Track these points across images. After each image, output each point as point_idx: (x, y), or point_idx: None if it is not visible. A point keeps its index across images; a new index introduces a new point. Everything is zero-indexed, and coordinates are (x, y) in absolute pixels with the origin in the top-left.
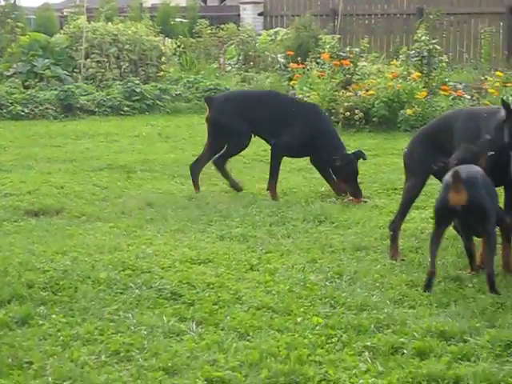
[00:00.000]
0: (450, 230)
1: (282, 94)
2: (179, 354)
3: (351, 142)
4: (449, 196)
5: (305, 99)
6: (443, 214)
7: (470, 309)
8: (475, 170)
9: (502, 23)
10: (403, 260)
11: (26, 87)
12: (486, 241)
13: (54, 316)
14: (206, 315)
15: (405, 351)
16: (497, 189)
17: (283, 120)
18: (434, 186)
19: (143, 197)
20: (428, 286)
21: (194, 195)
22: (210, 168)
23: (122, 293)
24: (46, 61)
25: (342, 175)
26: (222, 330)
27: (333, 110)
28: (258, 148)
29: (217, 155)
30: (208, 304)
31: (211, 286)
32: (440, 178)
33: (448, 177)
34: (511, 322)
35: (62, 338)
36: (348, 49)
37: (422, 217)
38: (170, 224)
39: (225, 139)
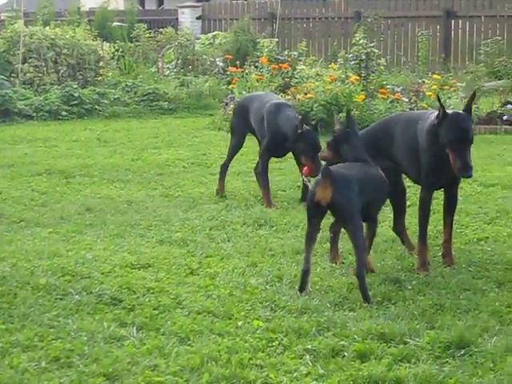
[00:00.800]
0: (389, 233)
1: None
2: (120, 359)
3: None
4: (316, 191)
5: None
6: (311, 209)
7: (409, 311)
8: (353, 169)
9: (438, 26)
10: (343, 263)
11: None
12: (351, 240)
13: None
14: (146, 320)
15: (345, 354)
16: None
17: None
18: None
19: (82, 202)
20: (302, 286)
21: (133, 200)
22: (149, 172)
23: (61, 299)
24: None
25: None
26: (162, 334)
27: None
28: (197, 152)
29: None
30: (148, 309)
31: (151, 290)
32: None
33: (320, 173)
34: (450, 323)
35: (1, 344)
36: (286, 52)
37: None
38: (110, 229)
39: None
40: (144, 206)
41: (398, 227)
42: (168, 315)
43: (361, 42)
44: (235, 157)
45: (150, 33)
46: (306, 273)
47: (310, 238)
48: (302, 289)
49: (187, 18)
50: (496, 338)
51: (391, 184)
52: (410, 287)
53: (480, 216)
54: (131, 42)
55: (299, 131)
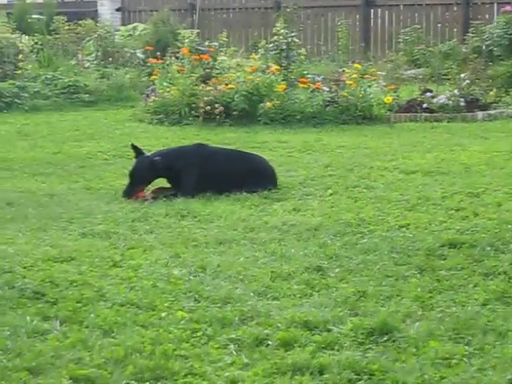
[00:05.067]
0: (311, 222)
1: None
2: (43, 353)
3: (212, 137)
4: None
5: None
6: None
7: (332, 298)
8: None
9: (358, 16)
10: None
11: None
12: None
13: None
14: (69, 313)
15: (269, 342)
16: None
17: None
18: (295, 178)
19: (3, 196)
20: None
21: (54, 193)
22: (70, 165)
23: None
24: None
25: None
26: (86, 327)
27: (193, 105)
28: (119, 144)
29: None
30: (71, 302)
31: (74, 283)
32: None
33: None
34: (373, 309)
35: None
36: (207, 43)
37: (284, 209)
38: (31, 223)
39: None
40: (66, 199)
41: None
42: (91, 308)
43: (281, 32)
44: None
45: (69, 25)
46: None
47: None
48: None
49: (107, 10)
50: (418, 323)
51: None
52: (332, 275)
53: (401, 203)
54: (50, 35)
55: None
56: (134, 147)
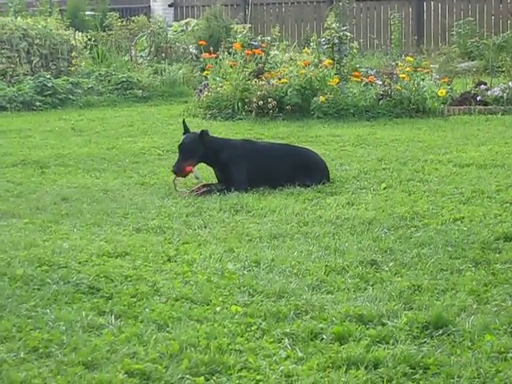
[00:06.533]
0: (365, 216)
1: None
2: (98, 347)
3: (265, 131)
4: None
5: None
6: None
7: (387, 292)
8: None
9: (411, 9)
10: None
11: None
12: None
13: None
14: (124, 308)
15: (324, 336)
16: None
17: None
18: (348, 172)
19: (58, 192)
20: None
21: (109, 189)
22: (124, 160)
23: (39, 289)
24: None
25: None
26: (141, 322)
27: (246, 100)
28: (172, 139)
29: None
30: (126, 297)
31: (129, 278)
32: None
33: None
34: (428, 303)
35: None
36: (259, 38)
37: (337, 202)
38: (86, 218)
39: None
40: (120, 195)
41: None
42: (146, 303)
43: (333, 25)
44: None
45: (122, 21)
46: None
47: None
48: None
49: (159, 6)
50: (473, 316)
51: None
52: (387, 269)
53: (455, 196)
54: (104, 31)
55: None
56: (185, 124)
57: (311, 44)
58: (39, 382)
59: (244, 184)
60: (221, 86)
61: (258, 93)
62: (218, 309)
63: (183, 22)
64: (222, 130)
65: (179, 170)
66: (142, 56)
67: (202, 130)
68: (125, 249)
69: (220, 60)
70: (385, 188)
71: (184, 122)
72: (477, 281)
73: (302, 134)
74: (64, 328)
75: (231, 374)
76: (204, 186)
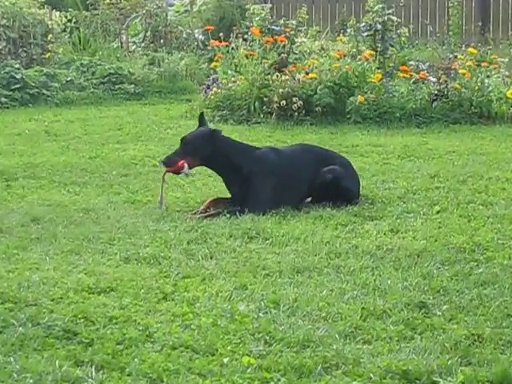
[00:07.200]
0: (413, 247)
1: None
2: None
3: (288, 138)
4: None
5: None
6: None
7: (438, 342)
8: None
9: None
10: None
11: None
12: None
13: None
14: (108, 357)
15: None
16: None
17: None
18: (392, 191)
19: (27, 210)
20: None
21: (90, 208)
22: (111, 173)
23: (1, 332)
24: None
25: None
26: (128, 375)
27: (265, 99)
28: (172, 147)
29: None
30: (110, 343)
31: (114, 320)
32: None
33: None
34: (490, 357)
35: None
36: (282, 21)
37: (378, 229)
38: (62, 244)
39: None
40: (105, 216)
41: None
42: (135, 351)
43: (376, 8)
44: None
45: None
46: None
47: None
48: None
49: None
50: None
51: None
52: (439, 313)
53: None
54: (87, 11)
55: None
56: (202, 118)
57: (348, 30)
58: None
59: (266, 203)
60: (233, 82)
61: (280, 90)
62: (225, 360)
63: (187, 0)
64: (234, 136)
65: (169, 161)
66: (134, 42)
67: (215, 128)
68: (110, 283)
69: (233, 49)
70: (438, 212)
71: (202, 115)
72: None
73: (335, 142)
74: (32, 381)
75: None
76: (212, 201)
